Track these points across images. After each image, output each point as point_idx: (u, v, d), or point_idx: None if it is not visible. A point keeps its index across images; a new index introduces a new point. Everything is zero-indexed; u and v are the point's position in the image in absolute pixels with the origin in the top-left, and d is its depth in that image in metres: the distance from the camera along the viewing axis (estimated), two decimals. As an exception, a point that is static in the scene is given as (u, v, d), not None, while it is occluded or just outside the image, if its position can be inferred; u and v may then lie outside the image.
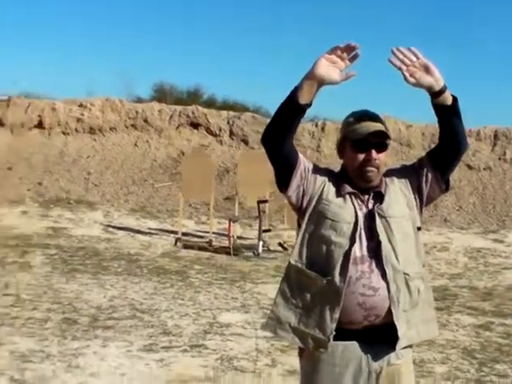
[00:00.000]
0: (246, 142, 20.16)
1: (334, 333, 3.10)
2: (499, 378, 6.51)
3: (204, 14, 56.51)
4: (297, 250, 3.22)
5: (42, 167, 18.73)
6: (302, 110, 3.12)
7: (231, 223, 13.58)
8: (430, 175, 3.24)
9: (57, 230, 14.09)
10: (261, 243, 13.16)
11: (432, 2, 57.25)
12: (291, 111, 3.12)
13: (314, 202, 3.20)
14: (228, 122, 20.52)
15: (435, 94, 3.11)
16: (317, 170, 3.26)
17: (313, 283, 3.15)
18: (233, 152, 19.73)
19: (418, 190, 3.26)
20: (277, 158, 3.20)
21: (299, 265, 3.20)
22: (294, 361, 6.55)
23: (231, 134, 20.36)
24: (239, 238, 14.21)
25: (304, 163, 3.23)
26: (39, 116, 20.20)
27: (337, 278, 3.08)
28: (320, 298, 3.13)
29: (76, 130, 20.20)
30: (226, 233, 14.10)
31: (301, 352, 3.30)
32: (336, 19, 57.76)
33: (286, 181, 3.21)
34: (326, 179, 3.23)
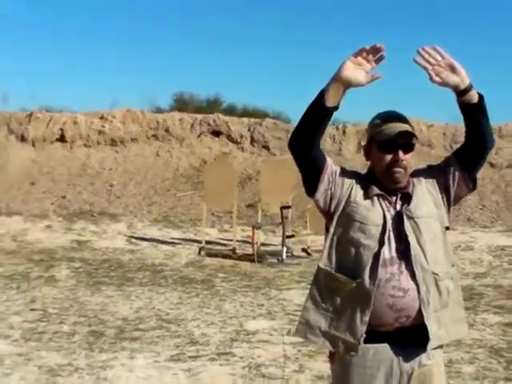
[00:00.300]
0: (267, 149, 20.19)
1: (364, 335, 3.09)
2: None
3: (218, 27, 56.57)
4: (326, 253, 3.22)
5: (64, 180, 18.85)
6: (328, 112, 3.11)
7: (255, 230, 13.58)
8: (457, 174, 3.22)
9: (81, 243, 14.16)
10: (284, 249, 13.15)
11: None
12: (318, 114, 3.11)
13: (342, 205, 3.19)
14: (249, 129, 20.57)
15: (461, 93, 3.09)
16: (344, 172, 3.25)
17: (342, 286, 3.14)
18: (254, 159, 19.77)
19: (445, 189, 3.24)
20: (304, 163, 3.19)
21: (328, 268, 3.20)
22: (321, 366, 6.57)
23: (252, 140, 20.40)
24: (263, 244, 14.22)
25: (331, 166, 3.22)
26: (61, 129, 20.35)
27: (366, 281, 3.07)
28: (350, 301, 3.12)
29: (98, 142, 20.33)
30: (250, 240, 14.12)
31: (331, 356, 3.29)
32: (348, 27, 57.72)
33: (313, 185, 3.20)
34: (354, 182, 3.22)
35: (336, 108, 3.11)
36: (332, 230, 3.21)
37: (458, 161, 3.22)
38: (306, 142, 3.15)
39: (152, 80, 52.10)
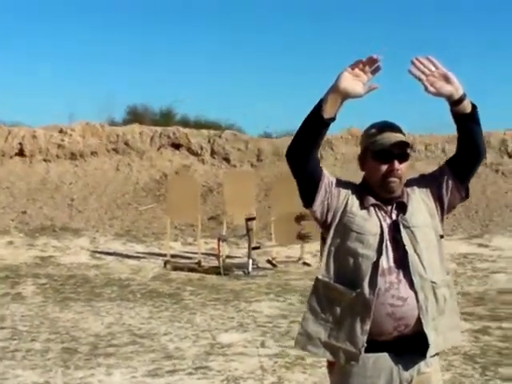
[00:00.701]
0: (227, 161, 20.27)
1: (365, 345, 3.16)
2: (503, 381, 6.63)
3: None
4: (324, 264, 3.28)
5: (24, 195, 18.70)
6: (326, 124, 3.17)
7: (220, 242, 13.62)
8: (450, 183, 3.30)
9: (45, 259, 14.07)
10: (250, 261, 13.20)
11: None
12: (316, 125, 3.17)
13: (338, 216, 3.26)
14: (209, 141, 20.64)
15: (455, 103, 3.17)
16: (339, 183, 3.32)
17: (342, 297, 3.21)
18: (215, 171, 19.83)
19: (438, 198, 3.33)
20: (301, 174, 3.26)
21: (327, 279, 3.26)
22: (299, 377, 6.69)
23: (213, 152, 20.46)
24: (228, 257, 14.26)
25: (328, 177, 3.28)
26: (20, 144, 20.18)
27: (366, 290, 3.14)
28: (350, 311, 3.19)
29: (57, 156, 20.20)
30: (214, 252, 14.17)
31: (330, 366, 3.35)
32: (311, 33, 58.09)
33: (310, 196, 3.27)
34: (349, 192, 3.29)
35: (333, 119, 3.18)
36: (329, 240, 3.28)
37: (450, 170, 3.30)
38: (304, 153, 3.21)
39: (107, 91, 51.78)
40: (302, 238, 13.48)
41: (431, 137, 20.12)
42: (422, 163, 18.82)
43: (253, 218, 13.94)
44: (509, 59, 49.97)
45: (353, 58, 3.16)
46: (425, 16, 55.66)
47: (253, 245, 13.74)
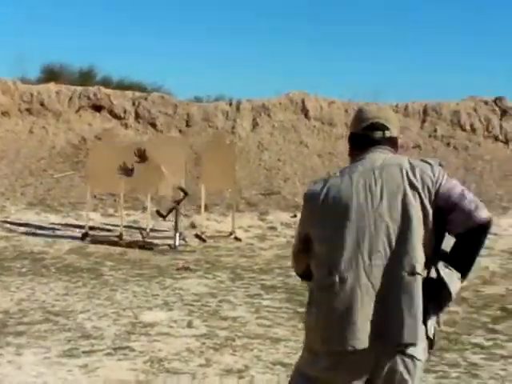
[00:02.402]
0: (153, 125, 20.10)
1: None
2: (450, 367, 6.76)
3: None
4: None
5: None
6: None
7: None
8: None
9: None
10: (177, 235, 13.16)
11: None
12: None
13: None
14: (133, 104, 20.43)
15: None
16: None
17: None
18: (139, 137, 19.63)
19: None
20: None
21: None
22: (228, 359, 6.72)
23: (137, 116, 20.27)
24: (152, 230, 14.19)
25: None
26: None
27: None
28: None
29: (-37, 116, 19.79)
30: (136, 226, 14.18)
31: None
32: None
33: None
34: None
35: None
36: None
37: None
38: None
39: (20, 47, 50.72)
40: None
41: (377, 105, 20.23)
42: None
43: (183, 190, 13.81)
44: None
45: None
46: None
47: (179, 218, 13.70)
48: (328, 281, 3.39)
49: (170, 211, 13.60)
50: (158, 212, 13.74)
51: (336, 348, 3.37)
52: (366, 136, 3.56)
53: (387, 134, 3.56)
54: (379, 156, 3.49)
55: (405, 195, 3.36)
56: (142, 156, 13.67)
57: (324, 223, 3.45)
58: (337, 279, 3.36)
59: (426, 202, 3.36)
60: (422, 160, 3.50)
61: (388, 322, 3.33)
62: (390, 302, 3.33)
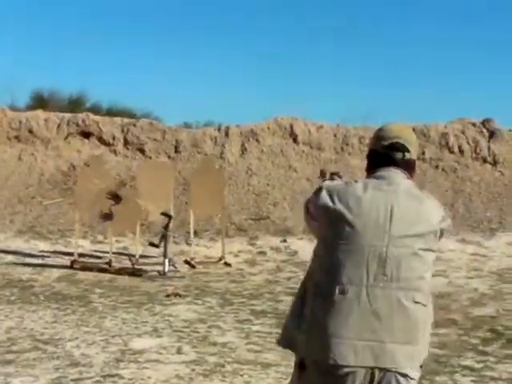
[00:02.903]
0: (142, 152, 20.09)
1: None
2: (439, 390, 6.76)
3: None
4: None
5: None
6: None
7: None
8: None
9: None
10: (167, 261, 13.13)
11: None
12: None
13: None
14: (122, 130, 20.43)
15: None
16: None
17: None
18: (128, 163, 19.63)
19: None
20: None
21: None
22: (218, 386, 6.67)
23: (126, 142, 20.26)
24: (141, 256, 14.17)
25: None
26: None
27: None
28: None
29: (-48, 144, 19.75)
30: (126, 252, 14.17)
31: None
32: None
33: None
34: None
35: None
36: None
37: None
38: None
39: (10, 74, 50.76)
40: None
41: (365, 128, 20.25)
42: (356, 159, 19.05)
43: (169, 216, 13.80)
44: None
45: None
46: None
47: (168, 244, 13.66)
48: (327, 288, 3.36)
49: (161, 238, 13.58)
50: (150, 243, 13.70)
51: (318, 357, 3.36)
52: (386, 155, 3.54)
53: (407, 156, 3.54)
54: (399, 179, 3.50)
55: (421, 231, 3.43)
56: (115, 197, 13.68)
57: (336, 229, 3.41)
58: (337, 290, 3.33)
59: (433, 243, 3.53)
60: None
61: (383, 346, 3.32)
62: (387, 326, 3.33)
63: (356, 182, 3.50)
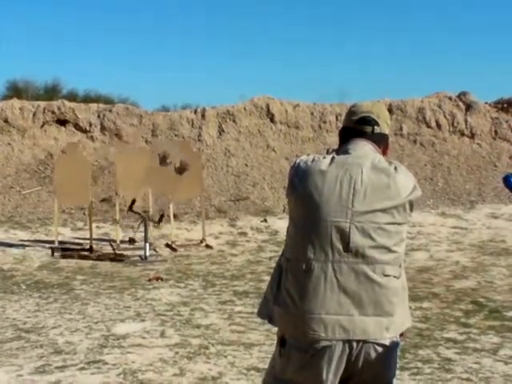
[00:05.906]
0: (119, 137, 20.01)
1: None
2: (424, 363, 6.79)
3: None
4: None
5: None
6: None
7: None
8: None
9: None
10: (147, 246, 13.11)
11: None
12: None
13: None
14: (98, 116, 20.32)
15: None
16: None
17: None
18: (106, 149, 19.54)
19: None
20: None
21: None
22: (203, 367, 6.69)
23: (103, 128, 20.16)
24: (122, 242, 14.14)
25: None
26: None
27: None
28: None
29: None
30: (107, 238, 14.13)
31: None
32: None
33: None
34: None
35: None
36: None
37: None
38: None
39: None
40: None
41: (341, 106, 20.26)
42: (334, 136, 19.05)
43: (132, 200, 13.70)
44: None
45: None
46: None
47: (149, 228, 13.64)
48: (296, 265, 3.39)
49: (140, 224, 13.58)
50: (167, 245, 13.76)
51: (294, 333, 3.41)
52: (356, 130, 3.53)
53: (376, 129, 3.53)
54: (366, 152, 3.48)
55: (387, 206, 3.38)
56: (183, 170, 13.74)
57: (301, 206, 3.43)
58: (304, 266, 3.35)
59: (401, 217, 3.43)
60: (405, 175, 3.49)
61: (351, 319, 3.34)
62: (355, 299, 3.33)
63: (324, 157, 3.48)
